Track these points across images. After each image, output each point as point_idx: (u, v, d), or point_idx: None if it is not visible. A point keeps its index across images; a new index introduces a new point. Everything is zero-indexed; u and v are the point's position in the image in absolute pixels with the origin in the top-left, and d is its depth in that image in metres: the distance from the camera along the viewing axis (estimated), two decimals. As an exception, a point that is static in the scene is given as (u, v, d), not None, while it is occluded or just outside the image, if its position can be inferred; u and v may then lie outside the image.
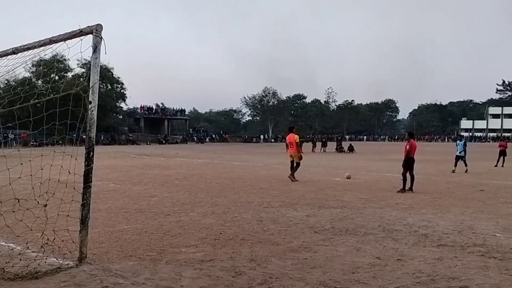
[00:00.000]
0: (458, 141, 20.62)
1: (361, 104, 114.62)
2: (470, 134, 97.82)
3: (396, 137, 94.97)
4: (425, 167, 17.18)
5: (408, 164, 12.15)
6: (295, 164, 14.47)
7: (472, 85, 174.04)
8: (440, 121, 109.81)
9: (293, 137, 14.54)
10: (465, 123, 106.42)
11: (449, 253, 5.76)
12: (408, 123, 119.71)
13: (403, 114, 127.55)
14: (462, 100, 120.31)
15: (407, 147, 12.37)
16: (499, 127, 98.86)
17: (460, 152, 18.88)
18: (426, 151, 35.66)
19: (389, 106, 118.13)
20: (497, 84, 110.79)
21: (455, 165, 18.61)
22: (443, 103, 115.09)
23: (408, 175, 11.97)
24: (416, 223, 7.74)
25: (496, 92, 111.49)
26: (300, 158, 14.61)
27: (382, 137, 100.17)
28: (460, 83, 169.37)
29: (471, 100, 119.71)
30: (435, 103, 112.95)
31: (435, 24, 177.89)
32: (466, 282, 4.63)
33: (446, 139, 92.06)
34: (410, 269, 5.06)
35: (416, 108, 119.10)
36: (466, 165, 18.63)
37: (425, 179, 15.17)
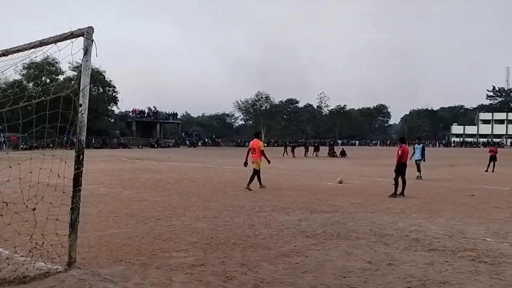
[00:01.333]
0: (416, 145, 18.67)
1: (353, 109, 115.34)
2: (461, 139, 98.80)
3: (388, 142, 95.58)
4: (416, 172, 17.26)
5: (400, 169, 12.19)
6: (253, 171, 13.49)
7: (463, 91, 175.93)
8: (431, 126, 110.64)
9: (257, 143, 13.76)
10: (456, 128, 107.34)
11: (440, 258, 5.78)
12: (400, 128, 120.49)
13: (395, 119, 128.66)
14: (453, 105, 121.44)
15: (399, 152, 12.39)
16: (490, 133, 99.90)
17: (418, 157, 17.65)
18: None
19: (381, 111, 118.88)
20: (487, 90, 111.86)
21: (418, 170, 17.39)
22: (434, 109, 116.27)
23: (400, 180, 12.01)
24: (407, 227, 7.76)
25: (487, 98, 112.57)
26: (259, 167, 13.62)
27: (374, 141, 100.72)
28: (451, 89, 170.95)
29: (462, 106, 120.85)
30: (427, 109, 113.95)
31: (427, 30, 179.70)
32: (457, 287, 4.64)
33: (437, 144, 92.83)
34: (401, 273, 5.07)
35: (408, 113, 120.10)
36: (419, 170, 17.35)
37: (416, 183, 15.26)
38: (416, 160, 17.64)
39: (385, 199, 11.44)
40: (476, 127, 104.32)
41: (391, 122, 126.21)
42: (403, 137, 14.70)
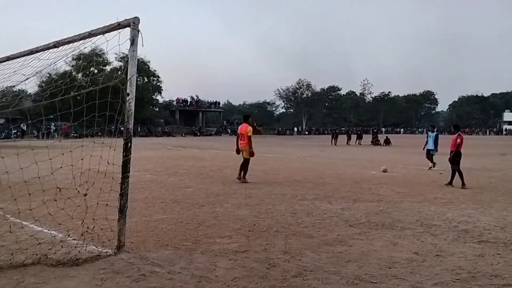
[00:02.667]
0: (429, 133, 17.15)
1: (398, 96, 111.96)
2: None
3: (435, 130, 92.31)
4: (465, 161, 16.53)
5: (459, 158, 11.65)
6: (243, 160, 12.20)
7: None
8: (481, 113, 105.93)
9: (246, 128, 12.18)
10: (508, 115, 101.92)
11: (491, 250, 5.55)
12: (448, 116, 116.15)
13: (443, 106, 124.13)
14: (505, 91, 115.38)
15: (458, 140, 11.67)
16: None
17: (431, 146, 16.32)
18: (467, 144, 34.44)
19: (428, 98, 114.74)
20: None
21: (431, 160, 16.13)
22: (485, 95, 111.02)
23: (451, 169, 11.55)
24: (456, 218, 7.50)
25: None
26: (251, 154, 12.15)
27: (420, 129, 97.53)
28: (502, 74, 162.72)
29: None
30: (476, 95, 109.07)
31: (476, 12, 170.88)
32: (509, 280, 4.44)
33: (488, 132, 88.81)
34: (450, 265, 4.91)
35: (456, 100, 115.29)
36: (432, 161, 16.11)
37: (466, 173, 14.61)
38: (429, 150, 16.37)
39: (432, 188, 11.09)
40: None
41: (438, 109, 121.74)
42: (458, 125, 13.72)
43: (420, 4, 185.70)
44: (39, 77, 37.63)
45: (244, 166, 12.08)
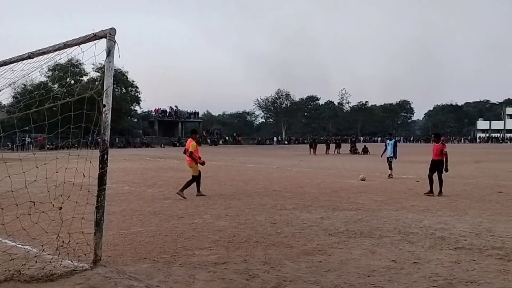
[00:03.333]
0: (388, 140, 17.13)
1: (375, 105, 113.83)
2: (487, 134, 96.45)
3: (411, 139, 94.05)
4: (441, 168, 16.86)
5: (441, 166, 11.72)
6: (191, 177, 11.27)
7: (489, 85, 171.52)
8: (456, 121, 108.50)
9: (189, 143, 11.28)
10: (482, 124, 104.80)
11: (467, 256, 5.65)
12: (424, 124, 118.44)
13: (418, 115, 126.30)
14: (478, 100, 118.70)
15: (445, 150, 11.72)
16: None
17: (389, 154, 16.46)
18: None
19: (404, 107, 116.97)
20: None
21: (390, 168, 16.25)
22: (459, 104, 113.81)
23: (430, 177, 11.66)
24: (432, 225, 7.62)
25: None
26: (197, 172, 11.24)
27: (397, 138, 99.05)
28: (476, 83, 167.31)
29: (487, 101, 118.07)
30: (451, 104, 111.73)
31: (450, 22, 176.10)
32: (484, 286, 4.53)
33: (462, 140, 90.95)
34: (427, 272, 4.98)
35: (432, 108, 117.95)
36: (390, 168, 16.26)
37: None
38: (388, 157, 16.60)
39: (408, 196, 11.26)
40: (502, 122, 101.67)
41: (414, 118, 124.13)
42: (438, 133, 13.59)
43: (396, 15, 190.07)
44: (13, 88, 36.91)
45: (194, 182, 11.22)
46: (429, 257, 5.60)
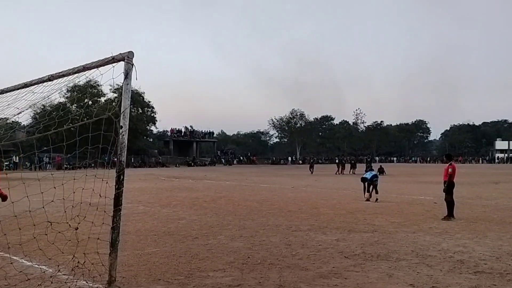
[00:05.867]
0: (368, 173, 16.49)
1: (391, 125, 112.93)
2: (506, 155, 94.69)
3: (428, 159, 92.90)
4: (459, 189, 16.54)
5: (451, 188, 11.35)
6: None
7: (507, 105, 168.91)
8: (473, 141, 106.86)
9: None
10: (500, 144, 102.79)
11: (487, 281, 5.50)
12: (440, 144, 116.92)
13: (435, 135, 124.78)
14: (496, 120, 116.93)
15: (450, 170, 11.37)
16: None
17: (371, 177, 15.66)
18: (460, 173, 34.60)
19: (420, 127, 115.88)
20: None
21: (376, 192, 15.28)
22: (476, 124, 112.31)
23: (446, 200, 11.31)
24: (451, 248, 7.45)
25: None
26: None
27: (413, 158, 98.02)
28: (493, 103, 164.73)
29: (505, 120, 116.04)
30: (468, 124, 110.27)
31: (467, 41, 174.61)
32: (507, 313, 4.39)
33: (480, 160, 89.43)
34: (446, 297, 4.85)
35: (448, 128, 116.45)
36: (368, 190, 15.48)
37: (460, 202, 14.60)
38: (369, 179, 15.61)
39: (426, 218, 11.04)
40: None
41: (431, 138, 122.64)
42: (450, 154, 13.28)
43: (412, 34, 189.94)
44: (33, 110, 37.72)
45: None
46: (448, 281, 5.46)
